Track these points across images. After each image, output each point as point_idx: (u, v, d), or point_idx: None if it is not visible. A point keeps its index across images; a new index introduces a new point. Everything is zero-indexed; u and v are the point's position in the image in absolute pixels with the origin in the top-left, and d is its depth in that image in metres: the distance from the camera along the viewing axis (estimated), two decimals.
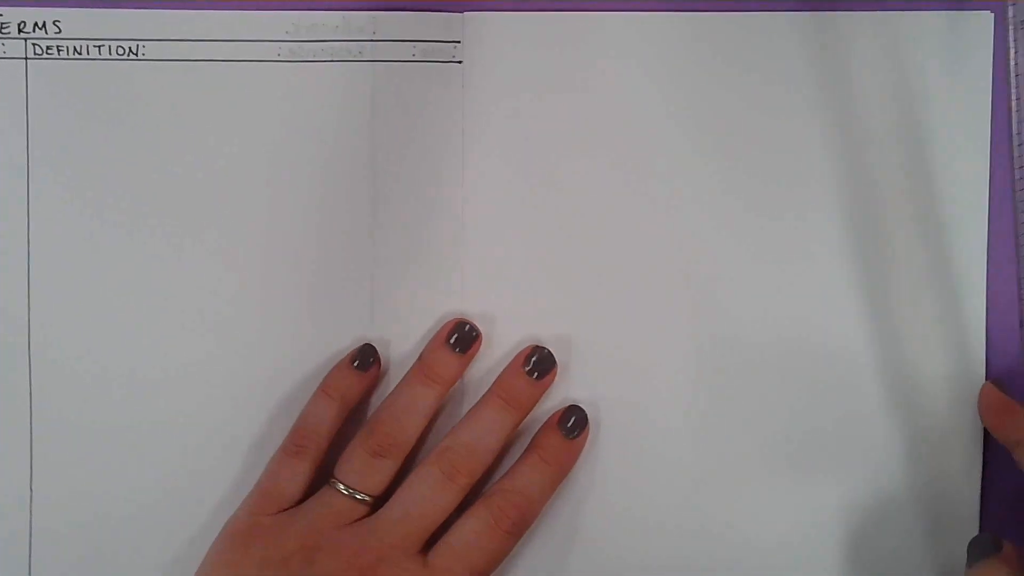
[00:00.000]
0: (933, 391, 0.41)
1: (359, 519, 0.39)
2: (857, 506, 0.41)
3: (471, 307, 0.42)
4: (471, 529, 0.38)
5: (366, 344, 0.41)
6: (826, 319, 0.41)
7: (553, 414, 0.41)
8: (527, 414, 0.41)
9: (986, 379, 0.41)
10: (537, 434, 0.41)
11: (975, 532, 0.41)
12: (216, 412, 0.42)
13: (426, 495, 0.39)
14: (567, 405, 0.41)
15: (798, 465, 0.41)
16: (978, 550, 0.38)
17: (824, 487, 0.41)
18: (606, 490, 0.42)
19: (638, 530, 0.42)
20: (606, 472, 0.42)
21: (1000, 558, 0.38)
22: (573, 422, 0.41)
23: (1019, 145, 0.37)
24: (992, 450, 0.41)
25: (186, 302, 0.42)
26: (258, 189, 0.42)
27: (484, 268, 0.42)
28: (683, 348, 0.42)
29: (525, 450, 0.40)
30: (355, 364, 0.41)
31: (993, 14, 0.41)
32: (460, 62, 0.41)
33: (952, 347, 0.41)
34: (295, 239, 0.42)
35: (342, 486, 0.39)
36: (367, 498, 0.39)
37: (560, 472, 0.40)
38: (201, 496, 0.42)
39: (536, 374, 0.40)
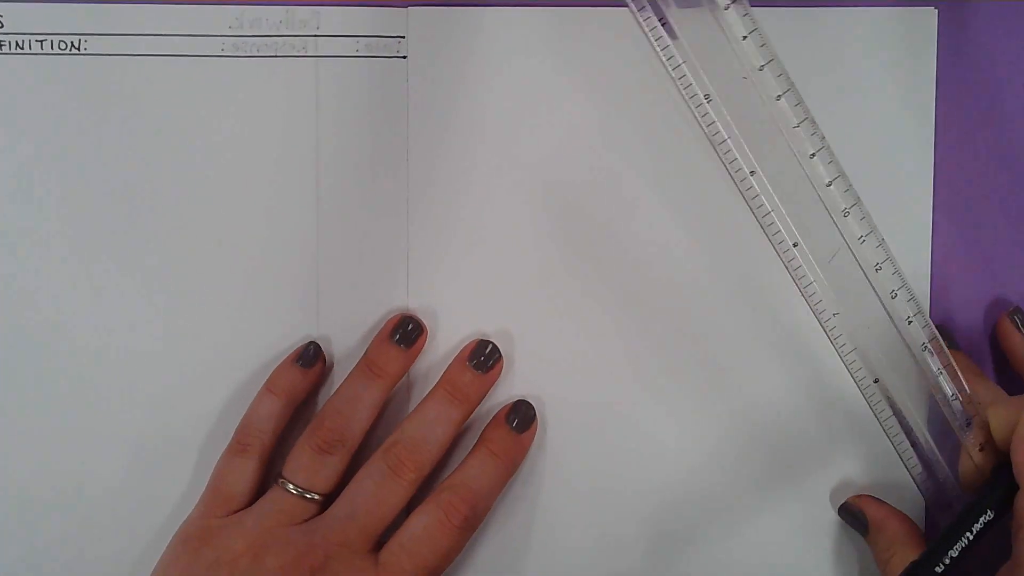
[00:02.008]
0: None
1: (308, 518, 0.39)
2: (807, 493, 0.42)
3: (416, 303, 0.42)
4: (421, 525, 0.38)
5: (310, 342, 0.41)
6: (778, 312, 0.41)
7: (501, 409, 0.41)
8: (474, 408, 0.41)
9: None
10: (486, 429, 0.41)
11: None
12: (162, 412, 0.42)
13: (373, 491, 0.39)
14: (515, 400, 0.41)
15: (749, 461, 0.42)
16: (851, 525, 0.41)
17: (777, 480, 0.42)
18: (556, 486, 0.42)
19: (593, 525, 0.42)
20: (555, 468, 0.42)
21: (872, 536, 0.40)
22: (521, 416, 0.41)
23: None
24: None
25: (129, 300, 0.41)
26: (201, 185, 0.41)
27: (429, 263, 0.41)
28: (628, 344, 0.42)
29: (474, 445, 0.41)
30: (299, 361, 0.40)
31: (937, 10, 0.41)
32: (404, 57, 0.41)
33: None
34: (239, 235, 0.41)
35: (290, 485, 0.39)
36: (316, 496, 0.39)
37: (509, 466, 0.40)
38: (150, 498, 0.41)
39: (482, 368, 0.40)
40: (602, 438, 0.42)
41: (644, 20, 0.36)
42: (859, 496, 0.41)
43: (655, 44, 0.36)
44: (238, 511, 0.39)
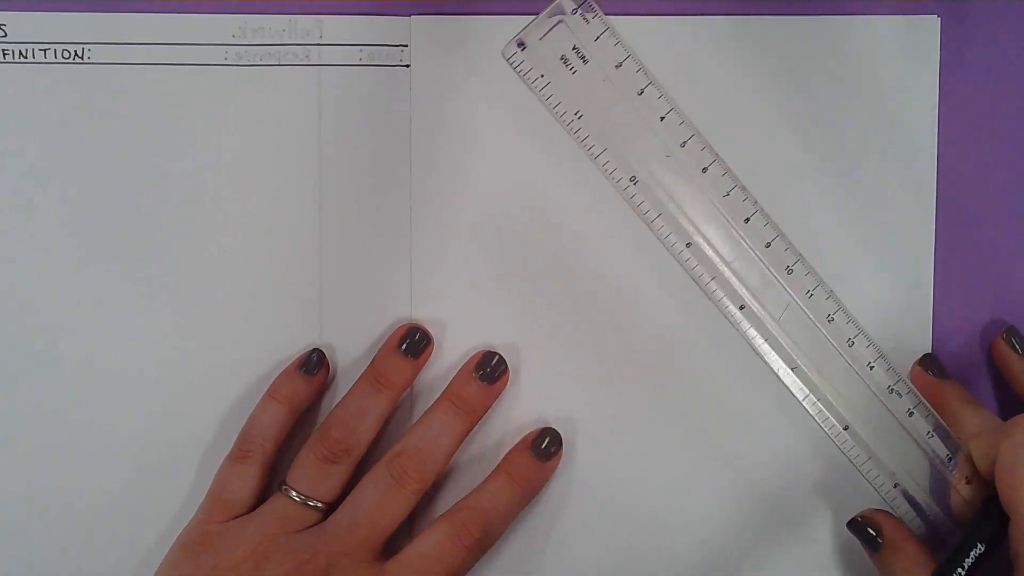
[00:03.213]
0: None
1: (310, 526, 0.39)
2: (818, 522, 0.42)
3: (420, 312, 0.41)
4: (433, 542, 0.38)
5: (314, 349, 0.41)
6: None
7: (528, 434, 0.41)
8: (479, 419, 0.41)
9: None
10: (510, 453, 0.41)
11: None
12: (165, 419, 0.41)
13: (376, 500, 0.38)
14: (542, 427, 0.41)
15: (755, 483, 0.42)
16: (861, 540, 0.40)
17: (783, 502, 0.42)
18: (561, 498, 0.42)
19: (603, 541, 0.42)
20: (560, 480, 0.42)
21: (883, 555, 0.39)
22: (547, 444, 0.40)
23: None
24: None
25: (132, 308, 0.41)
26: (204, 194, 0.41)
27: (433, 272, 0.41)
28: (635, 355, 0.41)
29: (495, 468, 0.40)
30: (302, 369, 0.40)
31: (940, 19, 0.41)
32: (407, 66, 0.41)
33: (896, 346, 0.41)
34: (242, 244, 0.41)
35: (294, 493, 0.39)
36: (319, 505, 0.39)
37: (528, 493, 0.40)
38: (152, 505, 0.41)
39: (488, 379, 0.40)
40: (607, 450, 0.42)
41: (560, 116, 0.38)
42: (876, 510, 0.40)
43: (584, 147, 0.38)
44: (238, 517, 0.39)
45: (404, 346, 0.40)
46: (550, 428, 0.41)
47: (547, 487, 0.41)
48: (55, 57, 0.41)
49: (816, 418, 0.39)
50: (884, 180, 0.41)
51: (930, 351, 0.41)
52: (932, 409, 0.39)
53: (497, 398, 0.41)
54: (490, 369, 0.40)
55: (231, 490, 0.39)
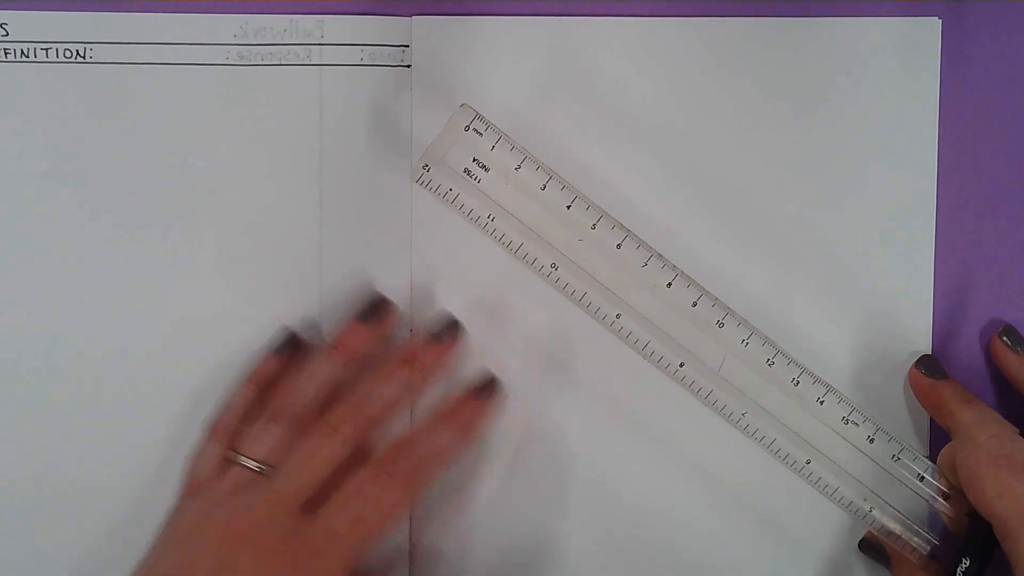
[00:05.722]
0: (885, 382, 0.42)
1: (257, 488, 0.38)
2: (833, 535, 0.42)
3: (420, 312, 0.41)
4: (355, 479, 0.38)
5: (288, 330, 0.41)
6: (794, 325, 0.41)
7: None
8: (429, 377, 0.40)
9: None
10: (446, 396, 0.41)
11: None
12: (165, 417, 0.41)
13: (310, 449, 0.38)
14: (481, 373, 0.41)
15: (750, 488, 0.41)
16: (872, 557, 0.41)
17: (778, 508, 0.41)
18: (559, 503, 0.42)
19: (597, 547, 0.42)
20: (559, 485, 0.42)
21: (895, 569, 0.40)
22: (482, 383, 0.40)
23: None
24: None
25: (133, 305, 0.41)
26: (205, 193, 0.41)
27: (433, 274, 0.41)
28: (632, 357, 0.41)
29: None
30: (277, 351, 0.41)
31: (940, 20, 0.41)
32: (408, 66, 0.41)
33: (896, 346, 0.41)
34: (243, 243, 0.41)
35: (234, 454, 0.39)
36: (256, 464, 0.38)
37: (462, 432, 0.39)
38: (151, 503, 0.41)
39: (439, 337, 0.40)
40: (605, 453, 0.42)
41: (475, 221, 0.40)
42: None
43: (502, 245, 0.40)
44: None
45: (362, 313, 0.40)
46: (487, 371, 0.41)
47: (544, 490, 0.41)
48: (56, 56, 0.41)
49: (776, 457, 0.40)
50: (884, 181, 0.41)
51: (930, 352, 0.41)
52: (893, 435, 0.39)
53: (448, 355, 0.41)
54: (445, 328, 0.40)
55: (199, 469, 0.39)
